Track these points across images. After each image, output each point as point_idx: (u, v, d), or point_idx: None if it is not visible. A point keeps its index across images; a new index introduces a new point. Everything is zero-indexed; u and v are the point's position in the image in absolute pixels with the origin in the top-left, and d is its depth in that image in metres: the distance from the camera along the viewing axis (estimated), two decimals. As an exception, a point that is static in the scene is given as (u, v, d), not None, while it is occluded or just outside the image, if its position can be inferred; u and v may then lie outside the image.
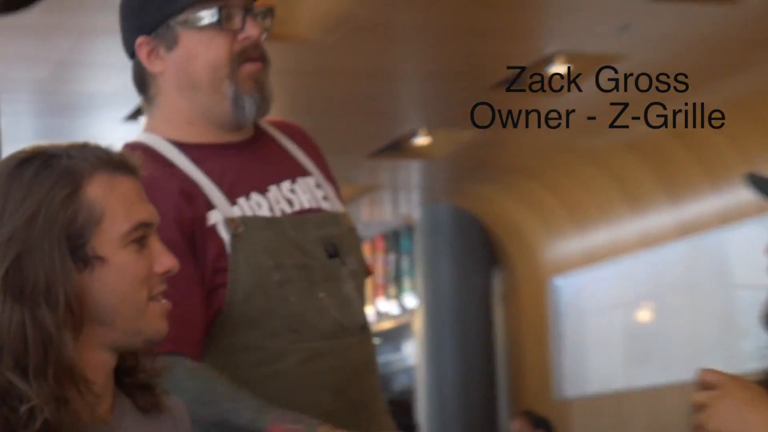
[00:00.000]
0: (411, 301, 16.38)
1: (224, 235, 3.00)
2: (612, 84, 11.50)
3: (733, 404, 2.33)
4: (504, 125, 12.85)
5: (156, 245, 2.36)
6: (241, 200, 3.05)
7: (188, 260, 2.93)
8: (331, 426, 2.85)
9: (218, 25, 3.04)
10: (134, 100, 11.58)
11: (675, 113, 12.16)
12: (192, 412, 2.67)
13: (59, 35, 10.00)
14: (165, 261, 2.35)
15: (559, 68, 11.14)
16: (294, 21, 10.01)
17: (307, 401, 3.00)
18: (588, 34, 10.45)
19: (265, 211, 3.07)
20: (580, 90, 11.62)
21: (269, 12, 3.13)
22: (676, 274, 13.72)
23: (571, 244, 15.23)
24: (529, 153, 14.00)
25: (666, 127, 12.62)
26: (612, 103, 12.04)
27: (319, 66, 10.94)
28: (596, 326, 15.11)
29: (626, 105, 12.10)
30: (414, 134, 13.11)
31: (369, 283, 3.20)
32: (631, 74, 11.22)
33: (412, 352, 16.54)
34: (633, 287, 14.50)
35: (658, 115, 12.34)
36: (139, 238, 2.31)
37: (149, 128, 3.17)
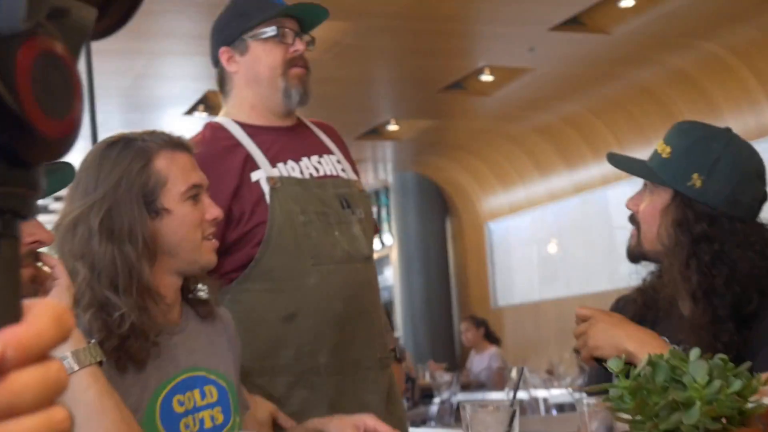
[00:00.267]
0: (388, 239, 16.17)
1: (265, 187, 2.98)
2: (524, 88, 11.53)
3: (603, 327, 2.31)
4: (450, 117, 12.93)
5: (206, 200, 2.39)
6: (280, 165, 3.05)
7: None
8: None
9: (276, 38, 3.08)
10: (189, 101, 11.65)
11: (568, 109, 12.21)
12: None
13: (137, 55, 9.90)
14: (213, 211, 2.38)
15: (487, 77, 11.01)
16: (301, 45, 10.05)
17: (325, 307, 2.97)
18: (507, 53, 10.35)
19: (297, 174, 3.06)
20: (500, 92, 11.63)
21: (312, 40, 3.16)
22: (573, 220, 13.60)
23: (499, 199, 15.02)
24: (468, 135, 13.87)
25: (562, 117, 12.68)
26: (524, 101, 12.10)
27: (319, 76, 10.84)
28: (518, 256, 14.94)
29: (534, 104, 12.16)
30: (387, 123, 12.92)
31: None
32: (536, 81, 11.28)
33: (390, 275, 16.32)
34: (543, 229, 14.31)
35: (556, 110, 12.37)
36: (193, 195, 2.35)
37: (224, 113, 3.20)
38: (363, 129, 12.74)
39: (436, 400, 10.18)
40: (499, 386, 10.47)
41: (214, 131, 3.11)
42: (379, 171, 16.02)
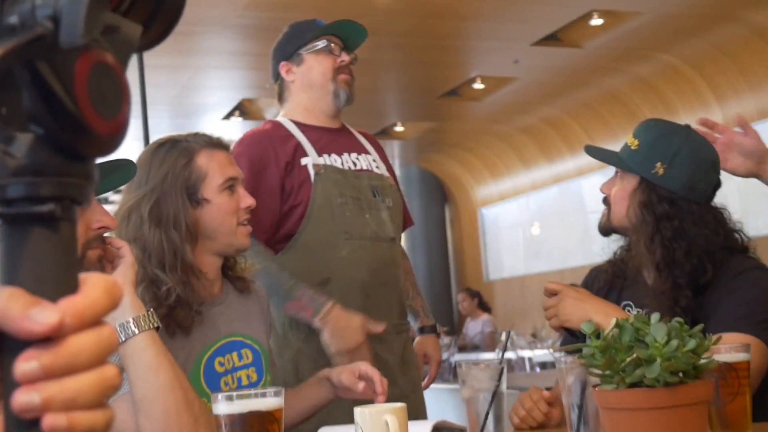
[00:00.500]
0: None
1: (311, 171, 3.06)
2: (510, 95, 11.52)
3: (572, 302, 2.31)
4: (447, 119, 12.92)
5: (241, 191, 2.37)
6: (325, 155, 3.12)
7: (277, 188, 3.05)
8: (340, 307, 2.84)
9: (326, 50, 3.17)
10: (226, 108, 11.64)
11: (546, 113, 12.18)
12: (259, 271, 2.76)
13: (183, 70, 9.91)
14: (247, 200, 2.37)
15: (479, 85, 11.00)
16: (321, 60, 10.04)
17: (354, 276, 3.03)
18: (495, 65, 10.35)
19: (338, 165, 3.13)
20: (491, 98, 11.60)
21: (355, 57, 3.23)
22: (552, 206, 13.58)
23: (489, 189, 14.99)
24: (463, 135, 13.84)
25: (543, 119, 12.66)
26: (510, 106, 12.08)
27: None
28: (507, 237, 14.91)
29: (519, 107, 12.14)
30: (394, 125, 12.92)
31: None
32: (520, 89, 11.27)
33: (397, 255, 16.36)
34: (527, 214, 14.29)
35: (537, 113, 12.36)
36: (229, 186, 2.34)
37: (282, 115, 3.24)
38: (374, 130, 12.69)
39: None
40: (491, 348, 10.50)
41: (274, 125, 3.19)
42: (388, 166, 16.03)
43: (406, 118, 12.94)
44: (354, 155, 3.21)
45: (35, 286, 0.59)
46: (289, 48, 3.20)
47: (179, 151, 2.33)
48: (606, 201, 2.52)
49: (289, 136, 3.12)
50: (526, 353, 9.63)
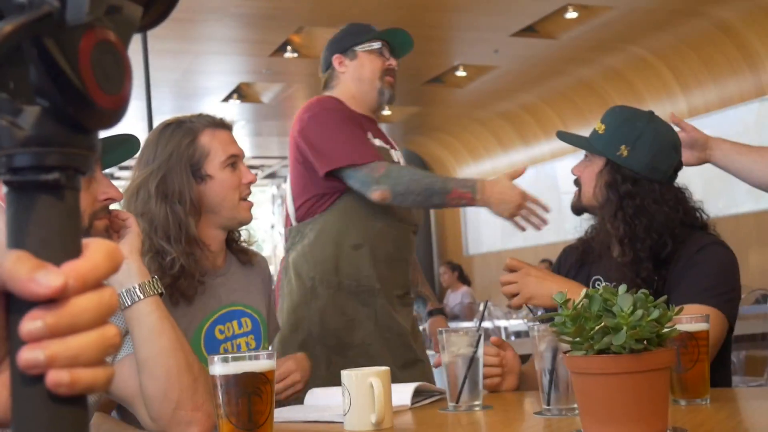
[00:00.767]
0: (383, 202, 16.25)
1: (375, 144, 3.14)
2: (490, 82, 11.52)
3: (534, 279, 2.33)
4: (431, 104, 12.90)
5: (242, 167, 2.37)
6: (373, 139, 3.16)
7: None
8: (488, 181, 2.95)
9: (378, 52, 3.26)
10: (225, 91, 11.60)
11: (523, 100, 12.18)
12: (410, 182, 2.91)
13: (185, 55, 9.88)
14: (248, 176, 2.37)
15: (461, 73, 11.03)
16: (314, 48, 9.97)
17: (382, 246, 3.13)
18: (476, 54, 10.36)
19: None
20: (472, 85, 11.59)
21: (397, 68, 3.30)
22: (528, 186, 13.40)
23: (470, 170, 14.94)
24: (446, 119, 13.85)
25: (520, 105, 12.66)
26: (490, 93, 12.08)
27: (328, 72, 10.89)
28: (485, 214, 14.93)
29: (498, 94, 12.13)
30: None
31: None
32: (500, 77, 11.26)
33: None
34: None
35: (515, 100, 12.35)
36: (231, 163, 2.34)
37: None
38: (363, 114, 12.72)
39: (420, 328, 10.20)
40: (470, 317, 10.52)
41: (338, 100, 3.24)
42: (376, 147, 16.02)
43: (392, 103, 12.87)
44: (388, 147, 3.27)
45: (40, 250, 0.59)
46: (346, 43, 3.28)
47: (184, 131, 2.33)
48: (577, 182, 2.53)
49: (352, 110, 3.21)
50: (502, 323, 9.66)
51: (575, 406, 1.72)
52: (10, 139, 0.59)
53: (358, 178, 2.99)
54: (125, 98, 0.62)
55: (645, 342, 1.35)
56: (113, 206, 1.92)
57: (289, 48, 9.91)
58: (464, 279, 12.11)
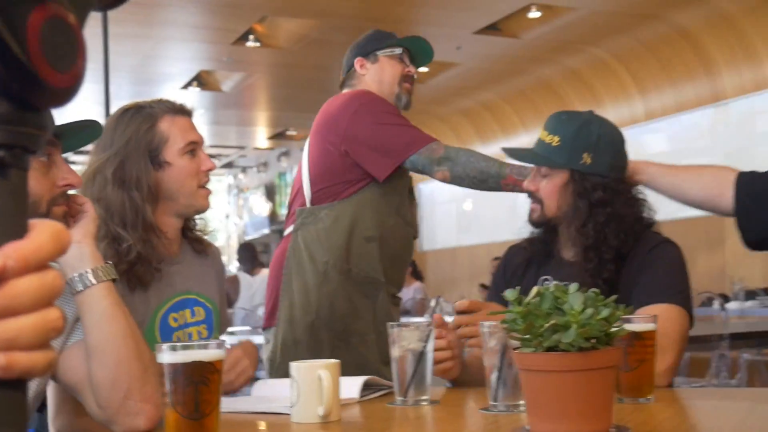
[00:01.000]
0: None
1: None
2: (451, 79, 11.56)
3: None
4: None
5: (202, 154, 2.35)
6: None
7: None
8: None
9: (399, 57, 3.34)
10: (185, 78, 11.51)
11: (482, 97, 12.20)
12: (466, 164, 3.01)
13: (145, 40, 9.82)
14: (207, 163, 2.36)
15: (423, 69, 11.08)
16: (277, 38, 9.95)
17: (391, 244, 3.22)
18: (439, 51, 10.38)
19: None
20: (433, 81, 11.59)
21: (416, 77, 3.40)
22: None
23: (428, 165, 15.16)
24: (406, 115, 13.92)
25: (480, 103, 12.70)
26: (451, 90, 12.12)
27: (291, 62, 10.81)
28: (441, 211, 14.97)
29: (459, 91, 12.16)
30: None
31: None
32: (461, 74, 11.29)
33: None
34: (460, 190, 14.11)
35: (475, 97, 12.38)
36: (190, 150, 2.32)
37: None
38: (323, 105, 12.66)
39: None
40: (421, 313, 10.54)
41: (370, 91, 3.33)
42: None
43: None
44: None
45: None
46: (369, 47, 3.37)
47: (143, 116, 2.31)
48: (534, 197, 2.47)
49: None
50: (453, 319, 9.69)
51: (522, 402, 1.72)
52: None
53: (420, 162, 3.09)
54: (77, 76, 0.60)
55: (593, 340, 1.36)
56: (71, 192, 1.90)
57: (251, 37, 9.87)
58: (417, 275, 12.09)
